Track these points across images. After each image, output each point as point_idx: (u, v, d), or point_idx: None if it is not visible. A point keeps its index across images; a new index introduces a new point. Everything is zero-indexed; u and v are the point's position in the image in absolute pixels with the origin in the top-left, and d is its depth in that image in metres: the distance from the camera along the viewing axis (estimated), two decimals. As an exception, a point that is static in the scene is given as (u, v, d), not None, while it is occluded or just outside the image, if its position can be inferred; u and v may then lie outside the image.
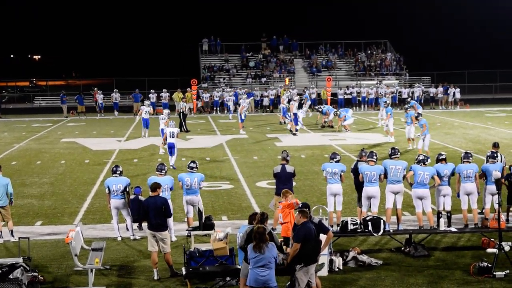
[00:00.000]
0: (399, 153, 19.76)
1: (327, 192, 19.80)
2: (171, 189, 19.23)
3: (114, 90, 61.20)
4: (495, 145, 21.92)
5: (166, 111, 37.92)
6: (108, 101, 62.23)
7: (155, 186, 16.48)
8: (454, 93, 61.26)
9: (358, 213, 19.56)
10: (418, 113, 33.31)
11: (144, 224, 20.19)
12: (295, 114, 42.11)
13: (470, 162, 19.46)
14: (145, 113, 41.78)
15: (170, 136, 30.65)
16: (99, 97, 59.84)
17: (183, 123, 45.32)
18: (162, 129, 35.27)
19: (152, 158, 33.23)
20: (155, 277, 15.87)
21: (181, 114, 46.14)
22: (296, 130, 42.25)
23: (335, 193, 19.61)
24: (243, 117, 44.40)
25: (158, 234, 15.97)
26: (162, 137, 33.82)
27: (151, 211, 16.00)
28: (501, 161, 20.67)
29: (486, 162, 19.93)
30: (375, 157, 19.37)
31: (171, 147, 30.51)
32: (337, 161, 19.74)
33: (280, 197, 19.09)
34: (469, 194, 19.31)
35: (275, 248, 13.08)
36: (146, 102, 45.11)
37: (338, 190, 19.62)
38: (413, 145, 33.89)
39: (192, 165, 19.75)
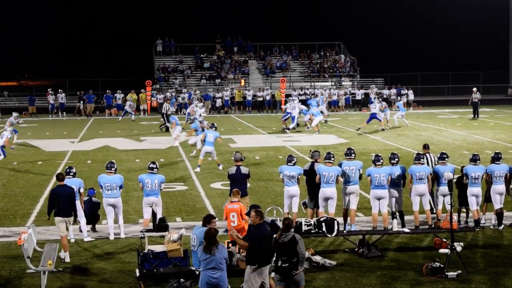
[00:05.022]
0: (354, 154, 19.90)
1: (284, 194, 19.84)
2: (120, 187, 19.20)
3: (59, 90, 59.97)
4: (425, 147, 21.58)
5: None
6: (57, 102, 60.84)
7: (62, 176, 17.72)
8: (407, 94, 61.79)
9: (309, 214, 19.65)
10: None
11: (98, 226, 20.11)
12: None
13: (422, 164, 19.68)
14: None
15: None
16: (51, 98, 59.21)
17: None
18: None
19: (107, 159, 32.95)
20: (67, 260, 17.05)
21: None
22: (288, 129, 44.68)
23: (292, 195, 19.64)
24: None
25: (67, 219, 17.30)
26: None
27: (61, 199, 17.20)
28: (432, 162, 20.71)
29: (436, 164, 20.18)
30: (332, 158, 19.46)
31: None
32: (294, 164, 19.78)
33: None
34: (421, 195, 19.53)
35: (225, 249, 13.10)
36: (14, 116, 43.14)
37: (296, 192, 19.66)
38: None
39: (152, 166, 19.73)
